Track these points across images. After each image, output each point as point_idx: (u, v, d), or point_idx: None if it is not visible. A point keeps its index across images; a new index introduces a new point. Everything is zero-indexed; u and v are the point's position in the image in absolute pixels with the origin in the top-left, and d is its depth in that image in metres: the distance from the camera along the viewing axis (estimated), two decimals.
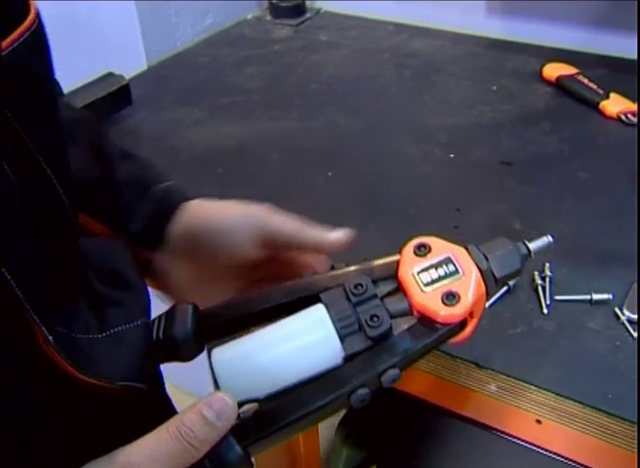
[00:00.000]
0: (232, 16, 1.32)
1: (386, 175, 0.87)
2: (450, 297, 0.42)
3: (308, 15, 1.34)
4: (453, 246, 0.45)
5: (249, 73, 1.14)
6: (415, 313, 0.43)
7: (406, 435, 0.94)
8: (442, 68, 1.12)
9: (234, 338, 0.43)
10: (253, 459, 0.39)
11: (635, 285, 0.67)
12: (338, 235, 0.52)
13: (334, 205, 0.82)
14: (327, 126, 0.98)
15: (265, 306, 0.45)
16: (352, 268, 0.46)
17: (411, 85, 1.08)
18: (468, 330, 0.45)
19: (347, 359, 0.41)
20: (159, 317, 0.45)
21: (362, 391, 0.40)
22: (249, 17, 1.35)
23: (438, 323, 0.42)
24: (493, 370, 0.60)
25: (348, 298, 0.43)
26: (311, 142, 0.95)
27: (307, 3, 1.35)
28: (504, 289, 0.68)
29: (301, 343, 0.41)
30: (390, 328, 0.41)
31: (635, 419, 0.55)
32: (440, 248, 0.44)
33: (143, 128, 0.99)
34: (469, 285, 0.43)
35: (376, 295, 0.43)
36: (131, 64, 1.14)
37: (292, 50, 1.21)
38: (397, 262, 0.45)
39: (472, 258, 0.44)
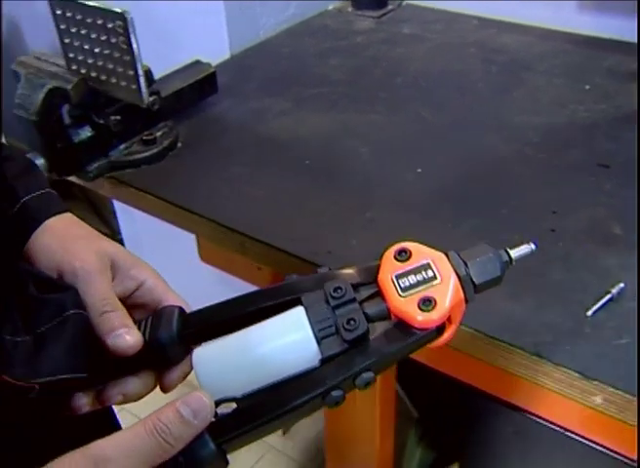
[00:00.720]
0: (314, 6, 1.31)
1: (477, 174, 0.85)
2: (426, 303, 0.42)
3: (390, 7, 1.32)
4: (433, 252, 0.45)
5: (332, 65, 1.13)
6: (393, 317, 0.44)
7: (488, 436, 0.93)
8: (531, 65, 1.09)
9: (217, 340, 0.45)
10: (230, 457, 0.40)
11: None
12: (123, 343, 0.45)
13: (424, 203, 0.80)
14: (413, 121, 0.97)
15: (249, 309, 0.46)
16: (334, 272, 0.46)
17: (498, 81, 1.05)
18: (446, 335, 0.45)
19: (324, 361, 0.42)
20: (145, 319, 0.47)
21: (336, 393, 0.41)
22: (330, 7, 1.34)
23: (415, 327, 0.43)
24: (598, 380, 0.58)
25: (328, 302, 0.44)
26: (399, 137, 0.93)
27: None
28: (608, 297, 0.65)
29: (279, 344, 0.43)
30: (367, 331, 0.42)
31: None
32: (420, 253, 0.45)
33: (229, 116, 0.99)
34: (447, 291, 0.43)
35: (354, 299, 0.44)
36: (214, 53, 1.14)
37: (374, 42, 1.20)
38: (378, 267, 0.45)
39: (451, 265, 0.44)
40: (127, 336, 0.44)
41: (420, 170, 0.86)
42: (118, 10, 0.69)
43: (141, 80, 0.72)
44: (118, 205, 1.63)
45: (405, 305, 0.43)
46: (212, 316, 0.47)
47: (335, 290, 0.44)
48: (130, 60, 0.72)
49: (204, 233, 0.82)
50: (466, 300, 0.45)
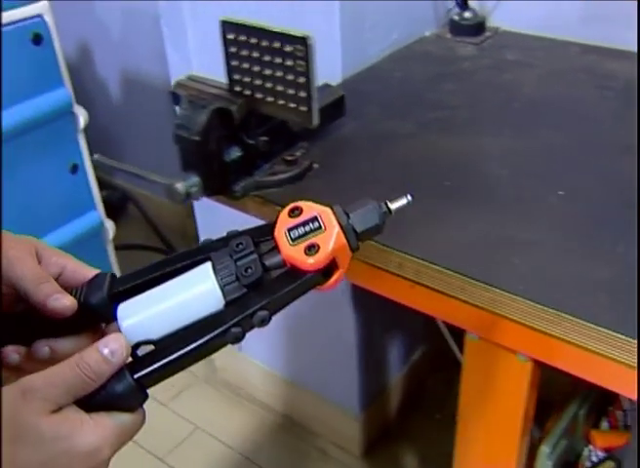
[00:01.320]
0: (414, 32, 1.34)
1: (623, 197, 0.86)
2: (311, 249, 0.50)
3: (488, 33, 1.34)
4: (321, 207, 0.53)
5: (446, 89, 1.15)
6: (287, 264, 0.51)
7: None
8: None
9: None
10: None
11: None
12: (54, 305, 0.50)
13: (577, 226, 0.81)
14: (542, 144, 0.98)
15: (168, 269, 0.52)
16: (240, 231, 0.53)
17: (617, 106, 1.07)
18: (334, 279, 0.52)
19: (227, 305, 0.49)
20: (80, 286, 0.53)
21: (235, 329, 0.48)
22: (427, 34, 1.37)
23: (302, 270, 0.50)
24: None
25: (231, 255, 0.51)
26: (532, 160, 0.95)
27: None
28: None
29: (189, 293, 0.50)
30: (261, 277, 0.50)
31: None
32: (310, 209, 0.53)
33: (358, 138, 1.01)
34: (330, 238, 0.51)
35: (253, 251, 0.51)
36: (326, 77, 1.16)
37: (481, 68, 1.22)
38: (274, 225, 0.52)
39: (335, 217, 0.52)
40: (63, 300, 0.50)
41: (561, 192, 0.87)
42: (299, 34, 0.71)
43: (314, 102, 0.74)
44: (202, 224, 1.65)
45: (294, 252, 0.50)
46: (137, 277, 0.52)
47: (237, 245, 0.51)
48: (305, 83, 0.74)
49: (357, 253, 0.83)
50: (351, 248, 0.52)
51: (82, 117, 1.61)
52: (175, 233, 2.34)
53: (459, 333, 1.36)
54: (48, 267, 0.53)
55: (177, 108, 0.82)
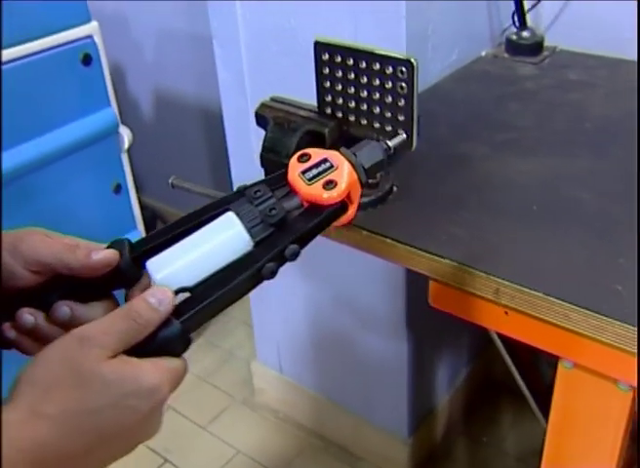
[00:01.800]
0: (471, 52, 1.32)
1: None
2: (329, 184, 0.54)
3: (546, 53, 1.33)
4: (328, 151, 0.57)
5: (513, 110, 1.13)
6: (304, 205, 0.55)
7: None
8: None
9: None
10: None
11: None
12: (99, 257, 0.52)
13: None
14: (621, 166, 0.96)
15: (188, 226, 0.54)
16: (252, 183, 0.56)
17: None
18: (350, 212, 0.58)
19: (257, 245, 0.53)
20: None
21: (270, 265, 0.52)
22: (483, 54, 1.36)
23: (323, 205, 0.55)
24: None
25: (250, 202, 0.54)
26: (615, 183, 0.93)
27: None
28: None
29: (217, 240, 0.52)
30: (285, 215, 0.53)
31: None
32: (318, 153, 0.57)
33: (431, 160, 0.99)
34: (343, 174, 0.55)
35: (272, 196, 0.54)
36: None
37: (545, 88, 1.20)
38: (286, 172, 0.56)
39: (344, 155, 0.57)
40: (104, 252, 0.52)
41: None
42: (402, 56, 0.70)
43: (415, 126, 0.73)
44: None
45: (312, 190, 0.54)
46: (156, 238, 0.54)
47: (255, 192, 0.54)
48: (405, 106, 0.72)
49: (445, 276, 0.81)
50: (361, 183, 0.57)
51: (127, 137, 1.60)
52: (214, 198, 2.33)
53: (520, 357, 1.34)
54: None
55: (265, 130, 0.81)
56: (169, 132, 2.34)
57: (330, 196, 0.54)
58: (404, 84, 0.71)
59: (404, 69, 0.70)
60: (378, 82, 0.73)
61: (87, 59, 1.46)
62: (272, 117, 0.80)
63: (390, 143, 0.62)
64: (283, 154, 0.78)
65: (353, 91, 0.76)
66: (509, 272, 0.77)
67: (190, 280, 0.51)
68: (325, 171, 0.55)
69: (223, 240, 0.52)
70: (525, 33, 1.33)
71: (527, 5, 1.32)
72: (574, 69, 1.27)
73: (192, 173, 2.35)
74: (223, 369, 2.03)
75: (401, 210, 0.89)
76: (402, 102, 0.73)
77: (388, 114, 0.74)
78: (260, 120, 0.81)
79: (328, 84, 0.77)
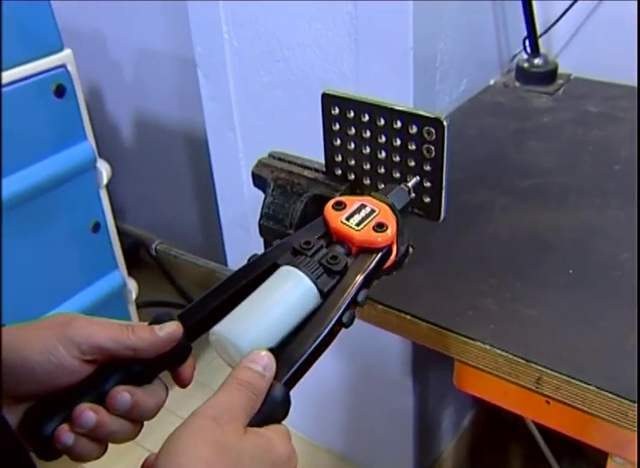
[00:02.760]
0: (480, 81, 1.22)
1: None
2: (381, 226, 0.56)
3: (560, 81, 1.23)
4: (360, 197, 0.59)
5: (533, 150, 1.03)
6: (353, 252, 0.56)
7: None
8: None
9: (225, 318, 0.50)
10: None
11: None
12: (166, 331, 0.49)
13: None
14: None
15: (233, 290, 0.53)
16: (288, 238, 0.57)
17: None
18: (394, 253, 0.59)
19: (325, 295, 0.52)
20: None
21: (347, 313, 0.51)
22: (492, 82, 1.25)
23: (374, 249, 0.56)
24: None
25: (304, 254, 0.53)
26: None
27: None
28: None
29: (290, 296, 0.51)
30: (347, 262, 0.54)
31: None
32: (352, 200, 0.58)
33: (450, 212, 0.88)
34: (389, 216, 0.58)
35: (322, 245, 0.55)
36: None
37: (565, 122, 1.10)
38: (323, 221, 0.57)
39: (379, 200, 0.59)
40: (166, 327, 0.49)
41: None
42: (430, 114, 0.59)
43: (444, 193, 0.61)
44: None
45: (364, 234, 0.55)
46: (203, 308, 0.52)
47: (304, 243, 0.54)
48: (432, 171, 0.61)
49: (476, 360, 0.70)
50: (398, 223, 0.58)
51: (105, 172, 1.47)
52: (191, 282, 2.20)
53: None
54: None
55: (264, 193, 0.69)
56: (152, 156, 2.21)
57: (384, 238, 0.55)
58: (432, 146, 0.60)
59: (432, 130, 0.59)
60: (399, 142, 0.62)
61: (60, 91, 1.34)
62: (273, 178, 0.68)
63: (409, 184, 0.63)
64: (286, 223, 0.67)
65: (369, 151, 0.65)
66: (552, 358, 0.66)
67: (272, 340, 0.49)
68: (369, 215, 0.56)
69: (295, 295, 0.51)
70: (537, 60, 1.22)
71: (539, 29, 1.22)
72: (593, 100, 1.16)
73: (176, 199, 2.23)
74: None
75: (420, 277, 0.78)
76: (428, 167, 0.62)
77: (412, 179, 0.62)
78: (258, 181, 0.70)
79: (338, 142, 0.66)
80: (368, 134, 0.63)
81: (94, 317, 0.50)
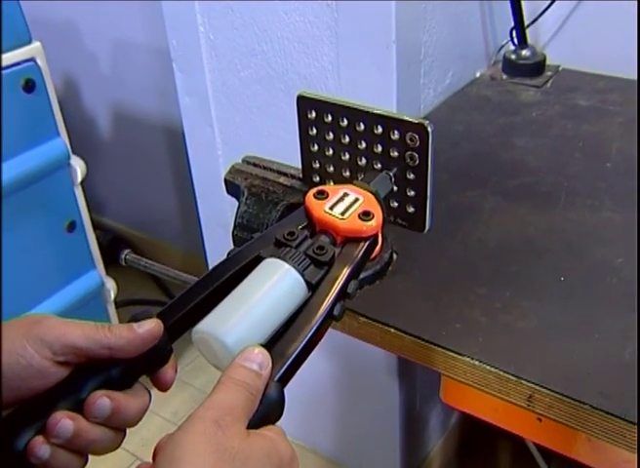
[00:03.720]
0: (466, 74, 1.18)
1: None
2: (366, 215, 0.53)
3: (548, 73, 1.19)
4: (342, 185, 0.56)
5: (521, 146, 0.99)
6: (339, 242, 0.53)
7: None
8: None
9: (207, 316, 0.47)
10: None
11: None
12: (145, 328, 0.45)
13: None
14: None
15: (215, 285, 0.50)
16: (269, 230, 0.54)
17: None
18: (379, 243, 0.57)
19: (314, 287, 0.49)
20: None
21: (338, 305, 0.49)
22: (478, 74, 1.21)
23: (362, 237, 0.53)
24: None
25: (288, 245, 0.50)
26: None
27: None
28: None
29: (277, 289, 0.48)
30: (334, 253, 0.51)
31: None
32: (334, 189, 0.55)
33: (435, 215, 0.84)
34: (374, 203, 0.55)
35: (307, 236, 0.52)
36: None
37: (553, 117, 1.06)
38: (305, 211, 0.54)
39: (362, 188, 0.55)
40: (146, 324, 0.45)
41: None
42: (413, 119, 0.55)
43: (429, 203, 0.57)
44: None
45: (350, 223, 0.52)
46: (183, 305, 0.49)
47: (288, 234, 0.51)
48: (417, 179, 0.57)
49: (464, 375, 0.66)
50: (383, 211, 0.55)
51: (79, 169, 1.42)
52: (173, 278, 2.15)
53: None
54: None
55: (238, 200, 0.65)
56: (130, 150, 2.15)
57: (369, 227, 0.53)
58: (415, 154, 0.56)
59: (416, 136, 0.55)
60: (380, 149, 0.58)
61: (29, 85, 1.28)
62: (247, 186, 0.64)
63: (390, 173, 0.59)
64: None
65: (348, 158, 0.60)
66: (545, 374, 0.63)
67: (261, 336, 0.47)
68: (353, 204, 0.54)
69: (282, 288, 0.48)
70: (525, 51, 1.18)
71: (526, 19, 1.18)
72: (582, 93, 1.12)
73: (156, 193, 2.17)
74: None
75: (404, 286, 0.74)
76: (411, 175, 0.57)
77: (394, 188, 0.58)
78: (232, 188, 0.65)
79: (315, 147, 0.61)
80: (347, 139, 0.59)
81: (66, 318, 0.46)
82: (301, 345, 0.46)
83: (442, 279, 0.75)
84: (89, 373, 0.44)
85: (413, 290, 0.74)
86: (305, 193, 0.61)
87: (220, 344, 0.45)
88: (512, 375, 0.63)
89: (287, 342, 0.46)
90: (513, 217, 0.84)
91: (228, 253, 0.53)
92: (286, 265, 0.49)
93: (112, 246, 2.23)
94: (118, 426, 0.45)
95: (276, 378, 0.44)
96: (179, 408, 1.87)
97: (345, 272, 0.50)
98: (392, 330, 0.69)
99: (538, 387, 0.62)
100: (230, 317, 0.46)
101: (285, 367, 0.45)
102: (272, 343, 0.47)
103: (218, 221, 1.36)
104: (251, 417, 0.42)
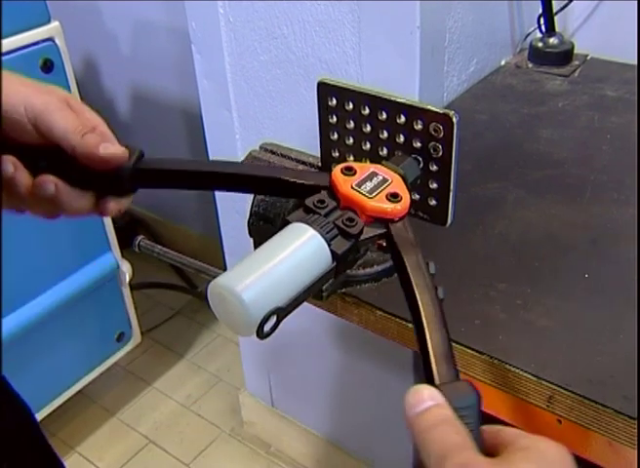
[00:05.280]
0: (490, 62, 1.15)
1: None
2: (395, 197, 0.52)
3: (576, 62, 1.15)
4: (371, 164, 0.54)
5: (546, 137, 0.96)
6: (364, 219, 0.51)
7: None
8: None
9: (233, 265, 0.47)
10: None
11: None
12: (108, 152, 0.50)
13: None
14: None
15: (205, 169, 0.52)
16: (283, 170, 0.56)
17: None
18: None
19: (338, 259, 0.48)
20: None
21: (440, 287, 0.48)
22: (503, 63, 1.18)
23: (389, 219, 0.51)
24: None
25: (317, 213, 0.50)
26: None
27: None
28: None
29: (300, 255, 0.47)
30: (362, 228, 0.50)
31: None
32: (362, 167, 0.53)
33: (457, 206, 0.82)
34: (402, 186, 0.53)
35: (336, 207, 0.51)
36: None
37: (581, 107, 1.03)
38: (330, 185, 0.52)
39: (391, 169, 0.54)
40: (113, 148, 0.50)
41: None
42: (437, 109, 0.53)
43: (452, 196, 0.55)
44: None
45: (377, 202, 0.51)
46: (167, 164, 0.52)
47: (318, 201, 0.50)
48: (440, 171, 0.55)
49: (482, 374, 0.65)
50: (410, 196, 0.53)
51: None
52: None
53: None
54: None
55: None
56: (149, 132, 2.14)
57: (395, 209, 0.51)
58: (439, 145, 0.54)
59: (440, 127, 0.53)
60: (402, 139, 0.56)
61: (48, 66, 1.27)
62: None
63: (419, 157, 0.56)
64: (278, 223, 0.61)
65: (369, 147, 0.58)
66: (566, 375, 0.61)
67: (280, 298, 0.45)
68: (381, 184, 0.52)
69: (306, 253, 0.47)
70: (552, 39, 1.15)
71: (555, 6, 1.14)
72: (610, 83, 1.09)
73: None
74: (209, 395, 1.87)
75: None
76: (434, 167, 0.55)
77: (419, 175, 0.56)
78: None
79: (335, 136, 0.60)
80: (368, 128, 0.57)
81: (77, 104, 0.52)
82: (445, 342, 0.44)
83: (462, 273, 0.73)
84: (55, 155, 0.51)
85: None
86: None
87: (237, 299, 0.44)
88: (532, 375, 0.61)
89: (435, 344, 0.44)
90: (537, 211, 0.81)
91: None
92: (312, 230, 0.48)
93: (129, 228, 2.23)
94: (55, 208, 0.52)
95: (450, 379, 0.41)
96: (192, 391, 1.88)
97: (419, 252, 0.49)
98: (410, 324, 0.67)
99: (558, 388, 0.60)
100: (249, 274, 0.45)
101: (448, 363, 0.42)
102: (292, 305, 0.46)
103: (234, 206, 1.35)
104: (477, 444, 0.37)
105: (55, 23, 1.27)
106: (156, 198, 2.25)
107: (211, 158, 1.34)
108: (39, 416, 1.58)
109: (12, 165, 0.50)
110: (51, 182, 0.51)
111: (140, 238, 0.70)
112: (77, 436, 1.76)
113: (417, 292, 0.46)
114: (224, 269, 1.44)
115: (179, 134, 2.06)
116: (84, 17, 1.96)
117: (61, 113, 0.50)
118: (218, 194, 1.39)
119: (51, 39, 1.26)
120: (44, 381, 1.52)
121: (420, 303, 0.46)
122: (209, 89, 1.23)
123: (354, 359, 1.41)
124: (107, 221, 1.53)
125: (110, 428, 1.79)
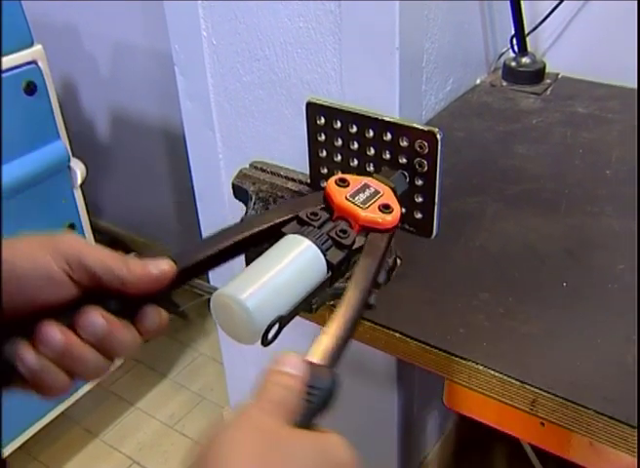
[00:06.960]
0: (466, 81, 1.19)
1: None
2: (386, 208, 0.54)
3: (548, 81, 1.20)
4: (363, 177, 0.57)
5: (522, 153, 1.00)
6: (356, 230, 0.53)
7: None
8: None
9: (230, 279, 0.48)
10: None
11: None
12: (160, 269, 0.46)
13: None
14: None
15: (227, 244, 0.51)
16: (284, 202, 0.59)
17: None
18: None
19: (333, 268, 0.50)
20: None
21: (373, 294, 0.50)
22: (478, 81, 1.22)
23: (381, 229, 0.53)
24: None
25: (311, 225, 0.52)
26: None
27: None
28: None
29: (297, 265, 0.49)
30: (355, 238, 0.52)
31: None
32: (355, 179, 0.56)
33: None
34: (393, 198, 0.56)
35: (329, 218, 0.53)
36: None
37: (554, 124, 1.07)
38: (325, 196, 0.55)
39: (382, 182, 0.57)
40: (161, 264, 0.46)
41: None
42: (423, 127, 0.56)
43: (437, 209, 0.58)
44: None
45: (370, 213, 0.53)
46: (196, 254, 0.50)
47: (311, 214, 0.52)
48: (425, 185, 0.58)
49: (468, 380, 0.67)
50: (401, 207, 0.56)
51: (79, 172, 1.42)
52: None
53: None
54: None
55: (246, 205, 0.65)
56: (130, 153, 2.16)
57: (386, 220, 0.53)
58: (424, 161, 0.57)
59: (425, 143, 0.56)
60: (388, 155, 0.58)
61: (31, 88, 1.29)
62: (254, 191, 0.64)
63: (406, 173, 0.60)
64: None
65: (357, 164, 0.61)
66: (548, 379, 0.64)
67: (281, 306, 0.47)
68: (373, 196, 0.54)
69: (303, 263, 0.49)
70: (525, 59, 1.19)
71: (527, 27, 1.19)
72: (581, 101, 1.14)
73: (155, 196, 2.18)
74: (193, 414, 1.87)
75: (408, 291, 0.75)
76: (420, 182, 0.58)
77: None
78: (239, 193, 0.66)
79: (324, 153, 0.62)
80: (356, 145, 0.60)
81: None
82: (350, 325, 0.45)
83: (445, 284, 0.76)
84: (91, 299, 0.44)
85: (416, 295, 0.74)
86: None
87: (242, 307, 0.45)
88: (516, 380, 0.64)
89: (327, 335, 0.45)
90: (515, 224, 0.85)
91: (242, 218, 0.55)
92: (307, 241, 0.50)
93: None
94: (108, 351, 0.44)
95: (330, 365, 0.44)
96: (175, 411, 1.88)
97: (377, 260, 0.51)
98: (397, 334, 0.69)
99: (541, 392, 0.63)
100: (252, 283, 0.47)
101: (333, 351, 0.44)
102: (292, 314, 0.48)
103: (218, 226, 1.36)
104: (297, 416, 0.40)
105: (38, 46, 1.28)
106: (138, 219, 2.25)
107: (194, 178, 1.36)
108: (21, 439, 1.57)
109: (58, 331, 0.42)
110: (96, 314, 0.43)
111: (133, 254, 0.71)
112: (60, 458, 1.75)
113: (351, 286, 0.48)
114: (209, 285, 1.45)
115: (159, 155, 2.08)
116: (64, 39, 1.98)
117: (89, 247, 0.45)
118: (201, 213, 1.41)
119: (34, 62, 1.28)
120: (25, 404, 1.51)
121: (346, 296, 0.47)
122: (192, 109, 1.25)
123: (339, 373, 1.43)
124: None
125: (93, 450, 1.78)
